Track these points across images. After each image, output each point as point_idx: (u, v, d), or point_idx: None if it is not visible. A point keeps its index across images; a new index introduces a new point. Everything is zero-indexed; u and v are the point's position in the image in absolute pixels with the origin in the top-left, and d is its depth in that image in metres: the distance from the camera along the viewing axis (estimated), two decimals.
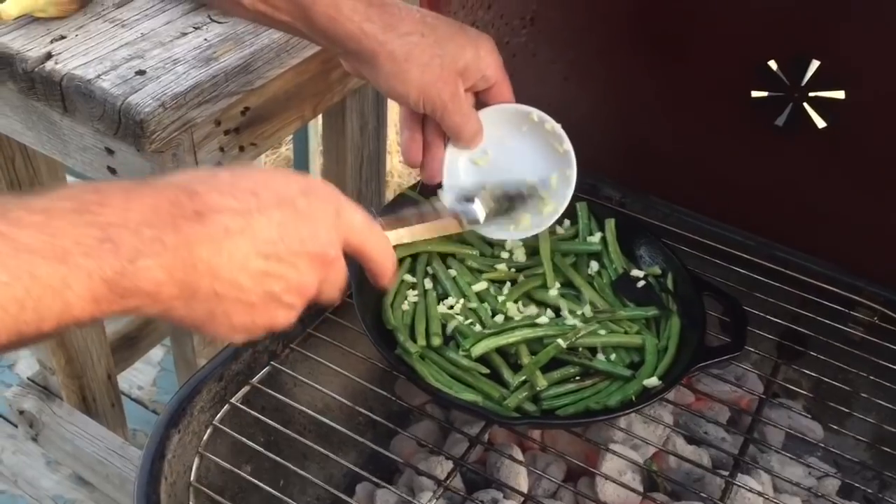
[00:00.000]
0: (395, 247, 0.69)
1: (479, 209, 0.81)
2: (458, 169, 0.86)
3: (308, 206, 0.57)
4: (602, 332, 0.86)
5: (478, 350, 0.82)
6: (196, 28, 1.00)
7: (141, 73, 0.93)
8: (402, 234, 0.78)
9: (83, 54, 0.95)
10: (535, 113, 0.86)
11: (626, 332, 0.86)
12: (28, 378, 1.54)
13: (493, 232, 0.88)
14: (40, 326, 0.46)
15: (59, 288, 0.46)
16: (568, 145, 0.86)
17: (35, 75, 0.93)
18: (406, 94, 0.78)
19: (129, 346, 1.66)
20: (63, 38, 0.97)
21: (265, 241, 0.55)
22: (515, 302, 0.89)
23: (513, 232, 0.88)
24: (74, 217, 0.48)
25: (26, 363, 1.85)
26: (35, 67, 0.93)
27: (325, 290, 0.60)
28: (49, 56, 0.94)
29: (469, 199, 0.82)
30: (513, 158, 0.87)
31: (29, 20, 0.98)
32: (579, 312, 0.88)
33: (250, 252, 0.54)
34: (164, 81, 0.92)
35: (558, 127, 0.86)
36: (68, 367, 1.47)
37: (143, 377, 1.85)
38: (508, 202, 0.85)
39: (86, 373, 1.50)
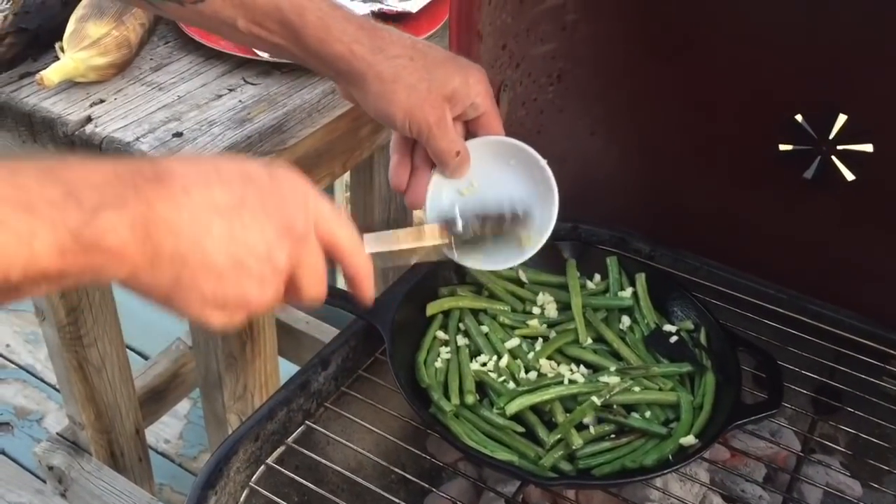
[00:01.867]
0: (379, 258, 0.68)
1: (458, 217, 0.81)
2: (441, 198, 0.85)
3: (274, 184, 0.56)
4: (636, 389, 0.86)
5: (512, 408, 0.82)
6: (231, 90, 1.03)
7: (178, 135, 0.95)
8: (377, 238, 0.74)
9: (122, 117, 0.97)
10: (524, 147, 0.85)
11: (660, 389, 0.86)
12: (57, 433, 1.54)
13: (467, 260, 0.85)
14: (7, 275, 0.46)
15: (25, 236, 0.46)
16: (552, 182, 0.85)
17: (75, 138, 0.95)
18: (392, 115, 0.78)
19: (156, 399, 1.67)
20: (102, 101, 0.99)
21: (228, 205, 0.54)
22: (548, 359, 0.89)
23: (485, 262, 0.86)
24: (39, 175, 0.48)
25: (55, 418, 1.87)
26: (75, 131, 0.95)
27: (302, 277, 0.58)
28: (89, 119, 0.96)
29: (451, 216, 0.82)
30: (498, 191, 0.86)
31: (69, 85, 1.00)
32: (612, 369, 0.88)
33: (212, 214, 0.53)
34: (200, 143, 0.94)
35: (544, 162, 0.85)
36: (97, 422, 1.48)
37: (170, 430, 1.85)
38: (491, 224, 0.83)
39: (114, 427, 1.50)
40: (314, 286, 0.59)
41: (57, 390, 1.87)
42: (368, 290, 0.64)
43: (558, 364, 0.89)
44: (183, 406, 1.85)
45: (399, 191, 0.85)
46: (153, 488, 1.62)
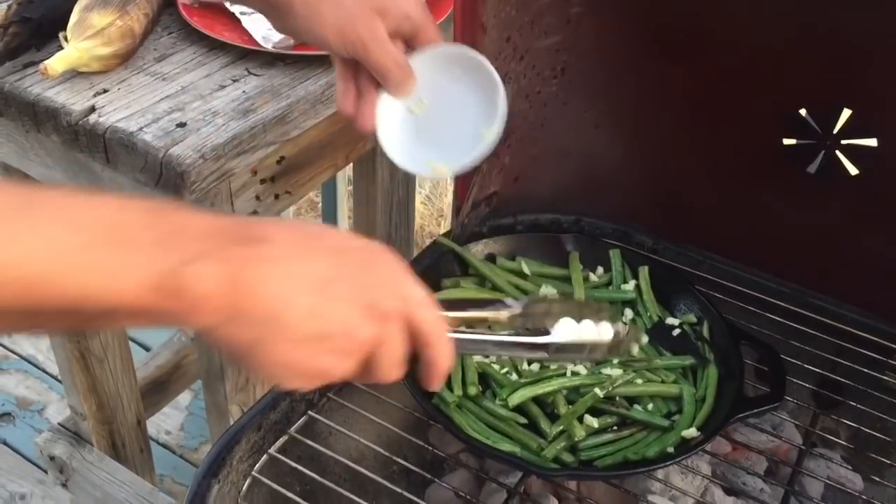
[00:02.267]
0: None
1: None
2: (393, 119, 0.83)
3: (369, 261, 0.56)
4: (639, 381, 0.86)
5: (515, 399, 0.82)
6: (234, 80, 1.03)
7: (182, 125, 0.95)
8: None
9: (125, 107, 0.97)
10: (463, 51, 0.83)
11: (662, 382, 0.86)
12: (59, 423, 1.55)
13: (409, 164, 0.84)
14: (85, 300, 0.47)
15: (115, 266, 0.48)
16: (495, 77, 0.82)
17: (79, 128, 0.95)
18: (325, 37, 0.77)
19: (158, 390, 1.67)
20: (106, 91, 0.99)
21: (319, 278, 0.53)
22: None
23: (441, 158, 0.83)
24: (145, 213, 0.50)
25: (56, 408, 1.87)
26: (79, 120, 0.95)
27: (382, 357, 0.57)
28: (93, 109, 0.96)
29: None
30: (450, 104, 0.84)
31: (73, 75, 1.00)
32: (615, 361, 0.88)
33: (300, 286, 0.53)
34: (203, 133, 0.94)
35: (487, 62, 0.82)
36: (99, 413, 1.48)
37: (171, 422, 1.86)
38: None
39: (116, 418, 1.51)
40: (391, 368, 0.58)
41: (58, 381, 1.87)
42: (440, 379, 0.62)
43: None
44: (184, 398, 1.86)
45: (348, 116, 0.84)
46: (154, 479, 1.62)
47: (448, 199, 2.59)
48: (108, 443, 1.52)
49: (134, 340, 1.74)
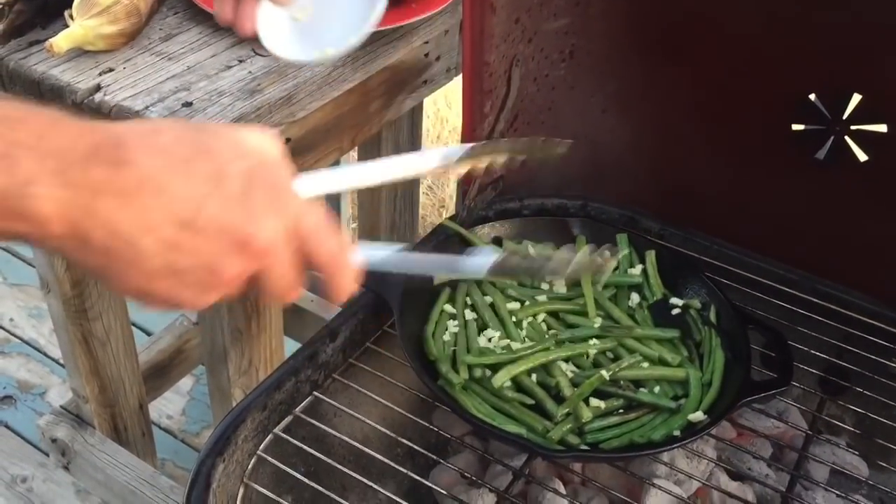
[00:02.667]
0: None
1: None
2: (278, 28, 0.82)
3: (247, 188, 0.52)
4: (645, 364, 0.85)
5: (499, 380, 0.82)
6: (241, 61, 1.02)
7: (187, 104, 0.94)
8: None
9: (131, 86, 0.96)
10: None
11: (669, 365, 0.86)
12: (61, 406, 1.55)
13: (295, 56, 0.82)
14: None
15: None
16: None
17: (84, 107, 0.95)
18: None
19: (160, 374, 1.67)
20: (111, 70, 0.99)
21: (183, 210, 0.50)
22: (547, 327, 0.90)
23: (325, 44, 0.83)
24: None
25: (57, 392, 1.87)
26: (84, 99, 0.95)
27: (264, 285, 0.54)
28: (98, 88, 0.95)
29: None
30: (333, 9, 0.83)
31: (78, 53, 0.99)
32: (595, 326, 0.89)
33: (157, 218, 0.49)
34: (210, 113, 0.94)
35: None
36: (101, 396, 1.48)
37: (173, 406, 1.85)
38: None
39: (118, 401, 1.50)
40: (281, 294, 0.55)
41: (60, 365, 1.87)
42: (342, 298, 0.58)
43: (548, 329, 0.89)
44: (186, 382, 1.85)
45: (226, 22, 0.81)
46: (156, 463, 1.62)
47: (450, 188, 2.59)
48: (109, 426, 1.52)
49: (136, 325, 1.74)
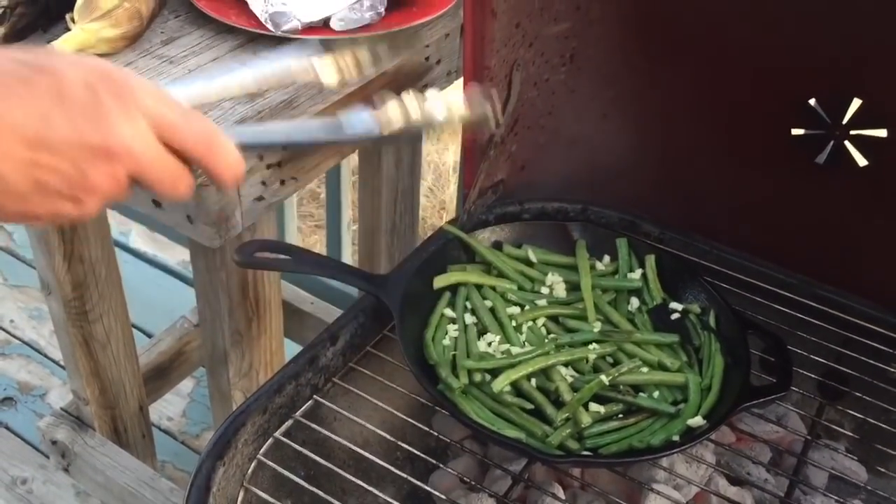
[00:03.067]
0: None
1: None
2: None
3: (97, 94, 0.52)
4: (644, 369, 0.86)
5: (498, 385, 0.82)
6: (243, 65, 1.02)
7: None
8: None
9: None
10: None
11: (668, 370, 0.86)
12: (61, 408, 1.55)
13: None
14: None
15: None
16: None
17: None
18: None
19: (160, 376, 1.67)
20: None
21: (31, 129, 0.50)
22: (547, 332, 0.90)
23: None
24: None
25: (58, 394, 1.87)
26: None
27: (148, 180, 0.54)
28: None
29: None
30: None
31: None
32: (595, 330, 0.89)
33: (12, 141, 0.50)
34: (211, 116, 0.94)
35: None
36: (102, 398, 1.48)
37: (173, 408, 1.86)
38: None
39: (118, 403, 1.51)
40: (166, 189, 0.56)
41: (60, 366, 1.87)
42: (231, 183, 0.59)
43: (548, 333, 0.89)
44: (186, 385, 1.86)
45: None
46: (156, 465, 1.62)
47: (451, 190, 2.59)
48: (110, 428, 1.52)
49: (136, 327, 1.74)
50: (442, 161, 2.72)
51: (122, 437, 1.55)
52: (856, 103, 0.93)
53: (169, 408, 1.85)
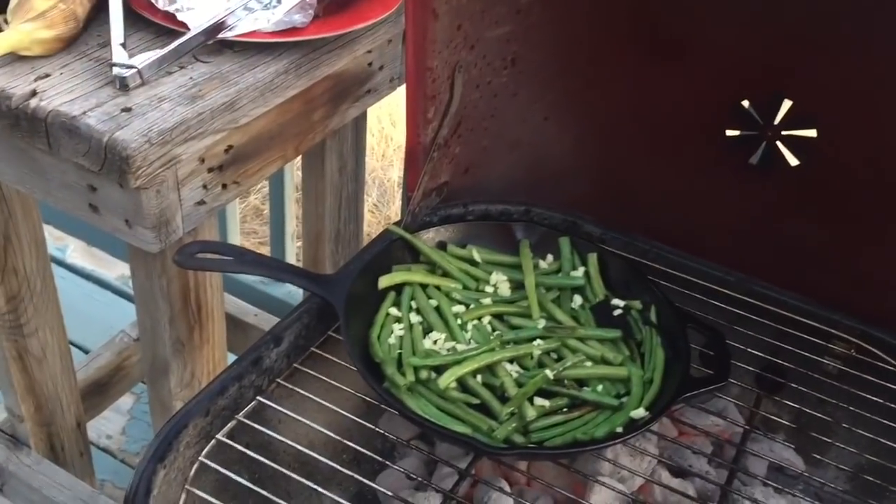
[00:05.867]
0: None
1: None
2: None
3: None
4: (588, 363, 0.87)
5: (444, 381, 0.82)
6: (181, 67, 1.01)
7: (127, 109, 0.93)
8: None
9: (68, 92, 0.95)
10: None
11: (611, 364, 0.87)
12: None
13: None
14: None
15: None
16: None
17: (20, 112, 0.93)
18: None
19: (98, 392, 1.63)
20: (48, 76, 0.97)
21: None
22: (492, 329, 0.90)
23: None
24: None
25: None
26: (19, 104, 0.93)
27: None
28: (34, 93, 0.94)
29: None
30: None
31: (13, 59, 0.97)
32: (540, 326, 0.90)
33: None
34: (150, 118, 0.92)
35: None
36: (37, 415, 1.44)
37: (112, 426, 1.81)
38: None
39: (55, 420, 1.46)
40: None
41: None
42: None
43: (493, 331, 0.90)
44: (126, 401, 1.81)
45: None
46: (94, 483, 1.58)
47: (396, 206, 2.60)
48: (46, 445, 1.48)
49: (73, 344, 1.70)
50: (387, 177, 2.73)
51: (59, 456, 1.50)
52: (786, 104, 0.96)
53: (108, 425, 1.80)
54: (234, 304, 1.74)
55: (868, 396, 0.93)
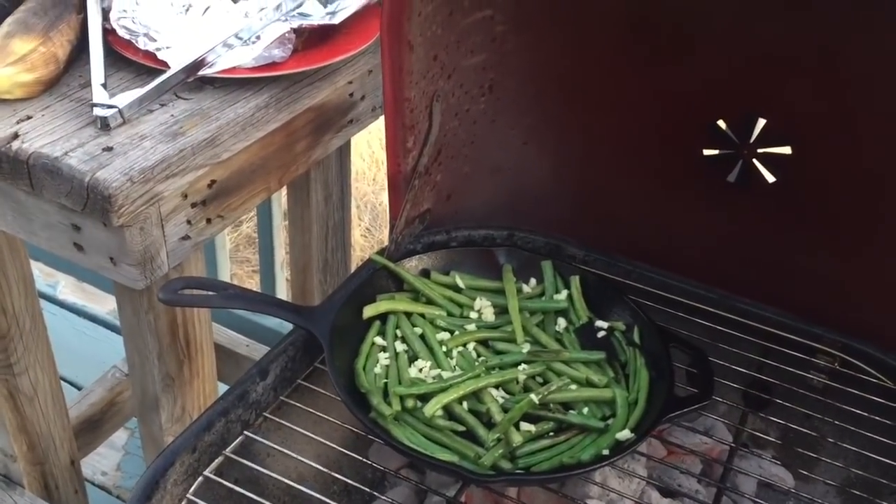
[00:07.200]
0: None
1: None
2: None
3: None
4: (573, 387, 0.87)
5: (430, 409, 0.82)
6: (162, 105, 1.02)
7: (108, 149, 0.94)
8: None
9: (50, 133, 0.95)
10: None
11: (595, 387, 0.88)
12: None
13: None
14: None
15: None
16: None
17: (1, 155, 0.93)
18: None
19: (92, 429, 1.62)
20: (30, 118, 0.98)
21: None
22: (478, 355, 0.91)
23: None
24: None
25: None
26: (1, 147, 0.93)
27: None
28: (16, 136, 0.94)
29: None
30: None
31: None
32: (524, 350, 0.90)
33: None
34: (131, 157, 0.93)
35: None
36: (30, 454, 1.43)
37: (107, 462, 1.80)
38: None
39: (48, 459, 1.46)
40: None
41: None
42: None
43: (478, 357, 0.90)
44: (120, 437, 1.81)
45: None
46: None
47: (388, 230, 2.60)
48: (40, 485, 1.47)
49: (65, 380, 1.69)
50: (379, 201, 2.74)
51: (53, 495, 1.49)
52: (761, 122, 0.97)
53: (102, 462, 1.80)
54: (225, 335, 1.74)
55: (853, 410, 0.93)
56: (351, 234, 1.45)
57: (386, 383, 0.88)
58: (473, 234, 1.09)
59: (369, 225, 2.67)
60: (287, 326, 1.90)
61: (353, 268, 1.53)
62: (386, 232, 2.70)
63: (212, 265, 1.92)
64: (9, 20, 1.02)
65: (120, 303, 1.09)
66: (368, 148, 2.76)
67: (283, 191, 1.87)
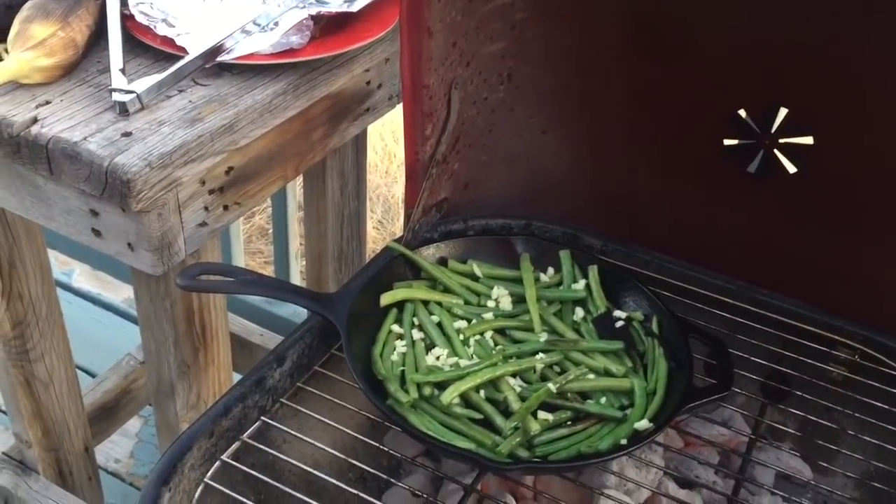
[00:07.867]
0: None
1: None
2: None
3: None
4: (591, 376, 0.87)
5: (447, 397, 0.82)
6: (180, 91, 1.02)
7: (127, 134, 0.94)
8: None
9: (69, 118, 0.95)
10: None
11: (614, 376, 0.87)
12: (3, 452, 1.50)
13: None
14: None
15: None
16: None
17: (21, 139, 0.93)
18: None
19: (106, 416, 1.63)
20: (48, 103, 0.98)
21: None
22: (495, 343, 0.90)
23: None
24: None
25: (0, 438, 1.81)
26: (21, 132, 0.93)
27: None
28: (35, 120, 0.95)
29: None
30: None
31: (14, 87, 0.98)
32: (542, 340, 0.90)
33: None
34: (150, 142, 0.93)
35: None
36: (45, 440, 1.44)
37: (120, 449, 1.81)
38: None
39: (63, 445, 1.47)
40: None
41: (2, 411, 1.82)
42: None
43: (495, 345, 0.90)
44: (133, 424, 1.81)
45: None
46: None
47: (400, 222, 2.60)
48: (54, 471, 1.48)
49: (80, 368, 1.70)
50: (391, 194, 2.74)
51: (67, 481, 1.50)
52: (782, 112, 0.96)
53: (116, 449, 1.80)
54: (239, 324, 1.74)
55: (874, 402, 0.92)
56: (366, 224, 1.45)
57: (403, 371, 0.87)
58: (491, 222, 1.09)
59: (381, 217, 2.67)
60: (301, 316, 1.91)
61: (368, 258, 1.53)
62: (398, 224, 2.71)
63: (226, 254, 1.93)
64: (28, 5, 1.02)
65: (137, 289, 1.09)
66: (381, 140, 2.76)
67: (298, 181, 1.88)
